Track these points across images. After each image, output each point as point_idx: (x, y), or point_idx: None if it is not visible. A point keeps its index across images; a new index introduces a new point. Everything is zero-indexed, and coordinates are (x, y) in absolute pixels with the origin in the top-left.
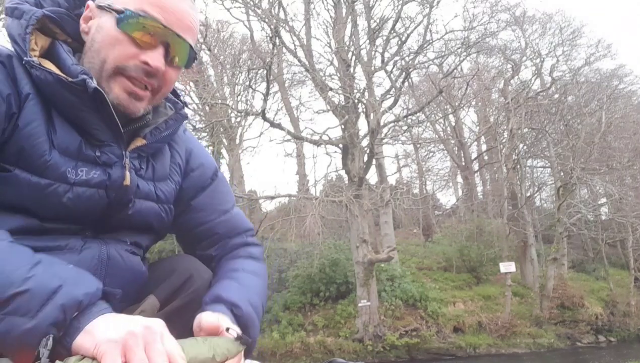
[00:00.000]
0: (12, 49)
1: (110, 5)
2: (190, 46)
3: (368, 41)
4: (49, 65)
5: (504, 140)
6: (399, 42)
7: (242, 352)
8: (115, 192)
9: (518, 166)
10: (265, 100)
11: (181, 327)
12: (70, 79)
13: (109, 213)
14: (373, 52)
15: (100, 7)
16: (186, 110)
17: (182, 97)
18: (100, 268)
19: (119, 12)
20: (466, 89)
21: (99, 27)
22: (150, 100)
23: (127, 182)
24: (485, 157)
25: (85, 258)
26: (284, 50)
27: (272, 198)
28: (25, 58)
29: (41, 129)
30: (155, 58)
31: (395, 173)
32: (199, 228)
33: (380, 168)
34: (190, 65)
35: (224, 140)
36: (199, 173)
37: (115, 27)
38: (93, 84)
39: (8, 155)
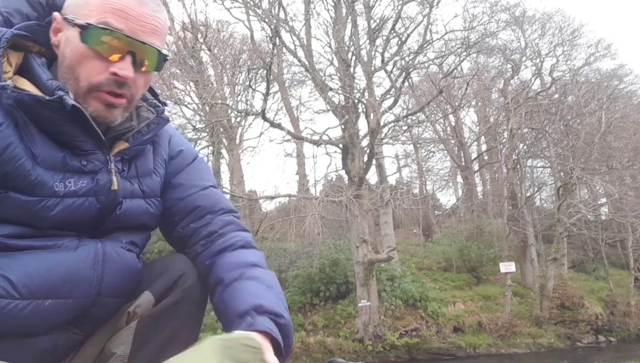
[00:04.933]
0: None
1: (72, 20)
2: (159, 50)
3: (368, 41)
4: (24, 84)
5: (504, 140)
6: (399, 42)
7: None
8: (104, 196)
9: (518, 166)
10: (265, 100)
11: (176, 322)
12: (47, 98)
13: (100, 217)
14: (373, 52)
15: (65, 20)
16: (184, 110)
17: (159, 97)
18: (96, 265)
19: (81, 27)
20: (466, 89)
21: (66, 41)
22: (126, 107)
23: (115, 186)
24: (485, 157)
25: (81, 255)
26: (284, 50)
27: (272, 198)
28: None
29: (19, 150)
30: (123, 68)
31: (395, 173)
32: (179, 204)
33: (380, 168)
34: (161, 68)
35: (224, 140)
36: (180, 158)
37: (79, 42)
38: (70, 101)
39: None
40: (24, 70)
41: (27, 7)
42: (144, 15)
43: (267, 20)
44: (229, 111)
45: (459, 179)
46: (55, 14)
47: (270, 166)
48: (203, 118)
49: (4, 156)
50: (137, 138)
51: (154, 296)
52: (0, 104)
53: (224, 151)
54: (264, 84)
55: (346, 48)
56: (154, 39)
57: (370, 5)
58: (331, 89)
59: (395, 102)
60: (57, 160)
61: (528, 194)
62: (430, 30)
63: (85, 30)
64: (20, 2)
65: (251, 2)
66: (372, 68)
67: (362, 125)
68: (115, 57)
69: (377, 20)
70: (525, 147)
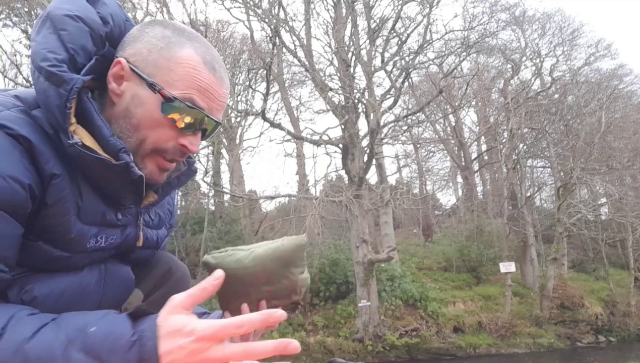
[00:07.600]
0: (34, 114)
1: (154, 85)
2: (219, 123)
3: (368, 41)
4: (84, 136)
5: (504, 140)
6: (399, 42)
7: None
8: (125, 248)
9: (518, 166)
10: (265, 100)
11: None
12: (114, 162)
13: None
14: (373, 52)
15: (136, 73)
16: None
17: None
18: (100, 281)
19: (166, 98)
20: (466, 89)
21: (136, 98)
22: (172, 170)
23: (141, 243)
24: (485, 157)
25: (87, 274)
26: (284, 50)
27: (272, 198)
28: (68, 141)
29: (69, 205)
30: (194, 143)
31: (395, 173)
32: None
33: (380, 168)
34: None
35: (224, 140)
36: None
37: (159, 111)
38: (138, 171)
39: (33, 228)
40: (79, 113)
41: (91, 43)
42: (222, 95)
43: (267, 20)
44: (229, 111)
45: (459, 179)
46: (122, 61)
47: (270, 166)
48: None
49: (52, 208)
50: (166, 190)
51: (143, 292)
52: (59, 153)
53: (224, 151)
54: (264, 84)
55: (346, 48)
56: (221, 114)
57: (370, 5)
58: (331, 89)
59: (395, 102)
60: (97, 214)
61: (528, 194)
62: (430, 30)
63: (169, 102)
64: (85, 38)
65: (251, 2)
66: (372, 68)
67: (362, 125)
68: (189, 131)
69: (377, 20)
70: (525, 147)
